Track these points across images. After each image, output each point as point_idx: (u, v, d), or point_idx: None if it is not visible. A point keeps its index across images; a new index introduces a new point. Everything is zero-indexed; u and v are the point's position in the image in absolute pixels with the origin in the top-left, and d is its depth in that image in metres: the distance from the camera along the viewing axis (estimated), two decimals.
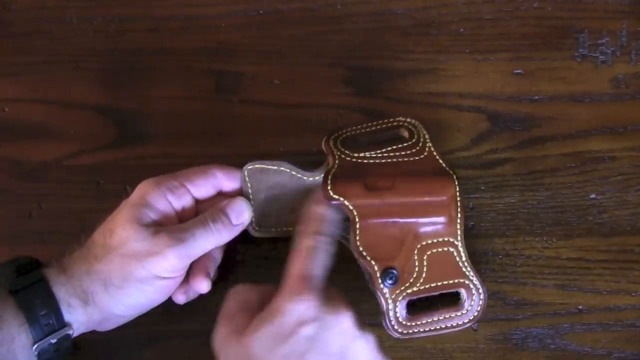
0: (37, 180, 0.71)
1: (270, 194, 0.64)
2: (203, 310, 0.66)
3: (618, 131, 0.72)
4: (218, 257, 0.64)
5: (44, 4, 0.74)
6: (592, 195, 0.71)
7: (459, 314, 0.63)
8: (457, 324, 0.63)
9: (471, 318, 0.63)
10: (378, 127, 0.68)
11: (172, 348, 0.68)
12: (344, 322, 0.56)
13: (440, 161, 0.66)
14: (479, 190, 0.71)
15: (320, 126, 0.72)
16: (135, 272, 0.58)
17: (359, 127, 0.68)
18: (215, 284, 0.63)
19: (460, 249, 0.64)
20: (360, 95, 0.73)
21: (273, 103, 0.72)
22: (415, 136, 0.67)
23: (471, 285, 0.64)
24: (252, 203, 0.64)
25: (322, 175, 0.64)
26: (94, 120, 0.72)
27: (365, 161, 0.65)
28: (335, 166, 0.64)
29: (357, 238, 0.62)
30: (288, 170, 0.65)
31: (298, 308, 0.54)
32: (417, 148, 0.66)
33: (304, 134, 0.71)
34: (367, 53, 0.74)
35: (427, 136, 0.67)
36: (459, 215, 0.64)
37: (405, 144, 0.67)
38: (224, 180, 0.64)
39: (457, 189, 0.64)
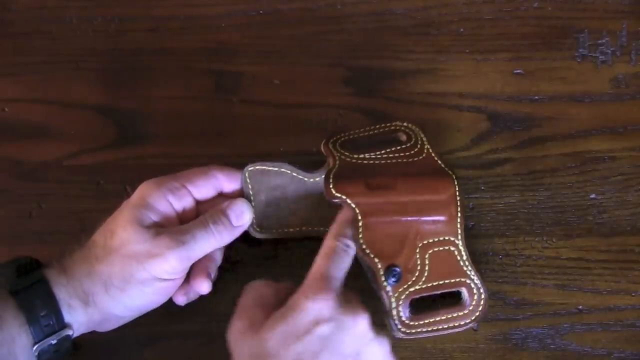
0: (37, 180, 0.71)
1: (271, 195, 0.65)
2: (203, 311, 0.66)
3: (618, 131, 0.72)
4: (218, 257, 0.64)
5: (44, 4, 0.74)
6: (592, 195, 0.71)
7: (461, 313, 0.63)
8: (460, 324, 0.63)
9: (473, 318, 0.63)
10: (376, 131, 0.69)
11: (172, 348, 0.68)
12: (360, 324, 0.56)
13: (439, 162, 0.66)
14: (479, 190, 0.71)
15: (320, 126, 0.72)
16: (136, 274, 0.58)
17: (356, 131, 0.69)
18: (215, 284, 0.63)
19: (461, 248, 0.64)
20: (360, 95, 0.73)
21: (273, 103, 0.72)
22: (413, 139, 0.67)
23: (472, 285, 0.64)
24: (253, 204, 0.64)
25: (323, 176, 0.64)
26: (94, 120, 0.72)
27: (365, 162, 0.65)
28: (336, 166, 0.64)
29: (360, 236, 0.62)
30: (289, 172, 0.65)
31: (315, 307, 0.55)
32: (416, 150, 0.67)
33: (304, 134, 0.71)
34: (367, 53, 0.74)
35: (425, 139, 0.67)
36: (459, 215, 0.64)
37: (404, 146, 0.67)
38: (225, 181, 0.64)
39: (457, 189, 0.64)
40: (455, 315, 0.63)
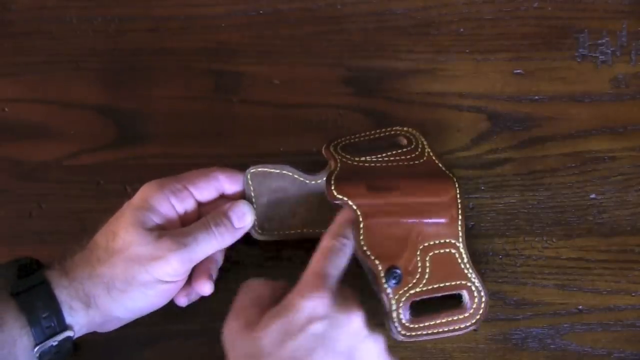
0: (37, 180, 0.70)
1: (273, 197, 0.65)
2: (203, 311, 0.66)
3: (618, 131, 0.72)
4: (220, 259, 0.64)
5: (44, 4, 0.74)
6: (592, 195, 0.71)
7: (461, 316, 0.63)
8: (460, 327, 0.63)
9: (474, 321, 0.64)
10: (376, 135, 0.69)
11: (172, 348, 0.68)
12: (354, 322, 0.56)
13: (440, 165, 0.66)
14: (479, 190, 0.71)
15: (320, 126, 0.72)
16: (139, 276, 0.58)
17: (357, 135, 0.69)
18: (216, 285, 0.63)
19: (462, 250, 0.64)
20: (360, 95, 0.73)
21: (273, 103, 0.72)
22: (414, 143, 0.67)
23: (473, 288, 0.64)
24: (255, 206, 0.64)
25: (325, 179, 0.64)
26: (94, 120, 0.72)
27: (366, 164, 0.65)
28: (338, 168, 0.64)
29: (361, 237, 0.62)
30: (290, 174, 0.65)
31: (309, 305, 0.55)
32: (417, 153, 0.67)
33: (304, 134, 0.71)
34: (367, 53, 0.74)
35: (425, 143, 0.68)
36: (460, 217, 0.64)
37: (405, 149, 0.67)
38: (227, 183, 0.64)
39: (458, 191, 0.64)
40: (455, 318, 0.63)
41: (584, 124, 0.72)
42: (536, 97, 0.73)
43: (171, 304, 0.63)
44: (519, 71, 0.73)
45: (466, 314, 0.64)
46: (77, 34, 0.73)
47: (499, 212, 0.71)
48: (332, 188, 0.62)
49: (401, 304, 0.62)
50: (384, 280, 0.62)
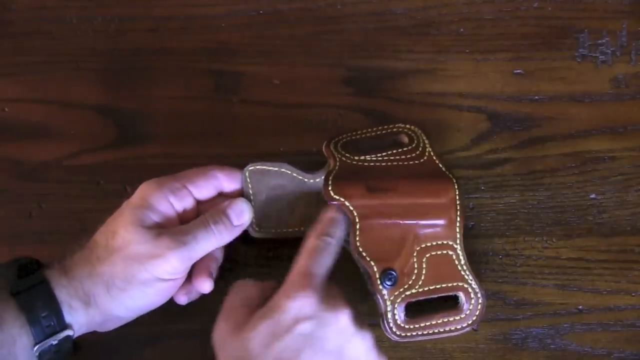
0: (37, 180, 0.70)
1: (271, 195, 0.65)
2: (203, 311, 0.66)
3: (618, 131, 0.72)
4: (220, 256, 0.64)
5: (44, 4, 0.74)
6: (592, 195, 0.71)
7: (457, 318, 0.63)
8: (456, 328, 0.63)
9: (470, 322, 0.63)
10: (378, 132, 0.69)
11: (172, 348, 0.68)
12: (341, 320, 0.56)
13: (440, 165, 0.66)
14: (479, 190, 0.71)
15: (320, 126, 0.72)
16: (138, 275, 0.58)
17: (358, 132, 0.69)
18: (216, 284, 0.63)
19: (460, 252, 0.64)
20: (360, 95, 0.73)
21: (273, 103, 0.72)
22: (415, 141, 0.67)
23: (470, 289, 0.64)
24: (253, 204, 0.64)
25: (323, 177, 0.64)
26: (94, 120, 0.72)
27: (366, 164, 0.65)
28: (337, 168, 0.64)
29: (357, 239, 0.62)
30: (289, 172, 0.65)
31: (296, 305, 0.55)
32: (417, 152, 0.67)
33: (304, 134, 0.71)
34: (367, 53, 0.74)
35: (426, 141, 0.67)
36: (459, 219, 0.64)
37: (405, 149, 0.67)
38: (225, 181, 0.64)
39: (457, 193, 0.64)
40: (451, 319, 0.63)
41: (584, 124, 0.72)
42: (536, 97, 0.73)
43: (171, 304, 0.63)
44: (519, 71, 0.73)
45: (462, 315, 0.63)
46: (77, 34, 0.74)
47: (499, 212, 0.71)
48: (330, 189, 0.62)
49: (396, 305, 0.62)
50: (379, 282, 0.62)
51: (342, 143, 0.67)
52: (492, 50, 0.74)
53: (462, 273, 0.64)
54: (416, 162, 0.66)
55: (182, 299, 0.63)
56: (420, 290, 0.63)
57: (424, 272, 0.63)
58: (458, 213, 0.64)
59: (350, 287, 0.67)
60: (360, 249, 0.62)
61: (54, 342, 0.57)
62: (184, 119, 0.72)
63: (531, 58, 0.73)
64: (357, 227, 0.62)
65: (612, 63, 0.73)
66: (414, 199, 0.63)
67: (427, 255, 0.63)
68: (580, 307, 0.69)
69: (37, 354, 0.56)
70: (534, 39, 0.74)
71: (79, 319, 0.58)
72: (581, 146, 0.72)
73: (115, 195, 0.68)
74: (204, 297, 0.63)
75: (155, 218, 0.60)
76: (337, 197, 0.62)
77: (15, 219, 0.70)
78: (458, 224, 0.64)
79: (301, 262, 0.58)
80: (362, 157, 0.66)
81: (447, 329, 0.63)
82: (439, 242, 0.64)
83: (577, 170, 0.71)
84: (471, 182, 0.71)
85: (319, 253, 0.59)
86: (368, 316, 0.65)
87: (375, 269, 0.62)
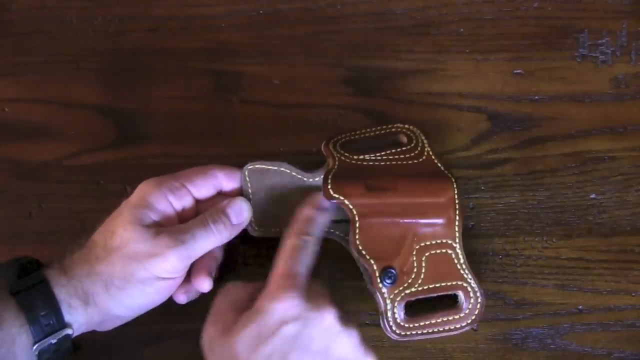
0: (37, 180, 0.71)
1: (270, 194, 0.65)
2: (203, 310, 0.65)
3: (618, 131, 0.72)
4: (219, 256, 0.64)
5: (44, 4, 0.74)
6: (592, 195, 0.71)
7: (456, 317, 0.63)
8: (455, 327, 0.63)
9: (469, 322, 0.63)
10: (377, 132, 0.69)
11: (172, 348, 0.68)
12: (326, 319, 0.56)
13: (440, 165, 0.66)
14: (479, 190, 0.71)
15: (320, 126, 0.72)
16: (137, 274, 0.58)
17: (357, 132, 0.69)
18: (216, 283, 0.63)
19: (459, 251, 0.64)
20: (360, 95, 0.73)
21: (273, 103, 0.72)
22: (414, 141, 0.67)
23: (469, 288, 0.64)
24: (252, 203, 0.64)
25: (322, 176, 0.64)
26: (94, 120, 0.72)
27: (365, 163, 0.65)
28: (336, 167, 0.64)
29: (357, 237, 0.62)
30: (288, 171, 0.65)
31: (280, 307, 0.55)
32: (416, 152, 0.67)
33: (304, 134, 0.71)
34: (367, 53, 0.74)
35: (425, 141, 0.67)
36: (458, 218, 0.64)
37: (404, 148, 0.67)
38: (224, 180, 0.64)
39: (456, 192, 0.64)
40: (451, 318, 0.63)
41: (584, 124, 0.72)
42: (536, 97, 0.73)
43: (171, 303, 0.63)
44: (519, 71, 0.73)
45: (461, 314, 0.63)
46: (77, 34, 0.74)
47: (499, 212, 0.71)
48: (329, 187, 0.62)
49: (396, 304, 0.62)
50: (379, 280, 0.62)
51: (341, 143, 0.67)
52: (492, 50, 0.74)
53: (462, 272, 0.64)
54: (415, 161, 0.66)
55: (182, 298, 0.63)
56: (420, 289, 0.63)
57: (423, 270, 0.63)
58: (457, 212, 0.64)
59: (350, 287, 0.67)
60: (360, 248, 0.62)
61: (53, 341, 0.57)
62: (184, 119, 0.72)
63: (531, 58, 0.73)
64: (357, 225, 0.62)
65: (612, 63, 0.73)
66: (413, 198, 0.63)
67: (427, 254, 0.63)
68: (580, 307, 0.69)
69: (36, 353, 0.56)
70: (534, 39, 0.74)
71: (78, 318, 0.58)
72: (581, 146, 0.72)
73: (115, 195, 0.68)
74: (203, 296, 0.63)
75: (154, 217, 0.60)
76: (337, 196, 0.62)
77: (15, 219, 0.70)
78: (457, 223, 0.64)
79: (282, 263, 0.58)
80: (361, 157, 0.66)
81: (446, 328, 0.63)
82: (438, 241, 0.64)
83: (577, 170, 0.71)
84: (471, 182, 0.71)
85: (298, 252, 0.59)
86: (368, 316, 0.65)
87: (375, 267, 0.62)
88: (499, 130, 0.72)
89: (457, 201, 0.64)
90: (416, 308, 0.63)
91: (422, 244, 0.63)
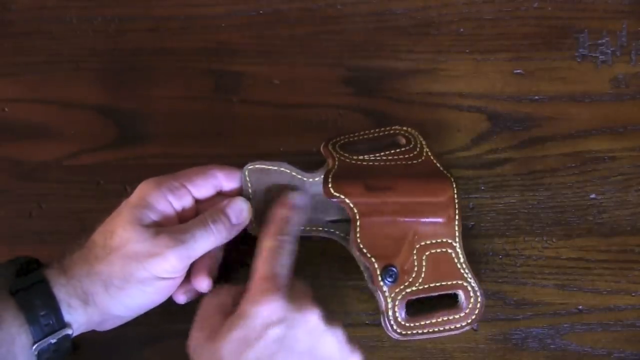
0: (37, 180, 0.71)
1: (270, 194, 0.64)
2: None
3: (618, 131, 0.72)
4: (219, 256, 0.64)
5: (44, 4, 0.74)
6: (592, 195, 0.71)
7: (457, 316, 0.63)
8: (456, 326, 0.64)
9: (469, 321, 0.64)
10: (375, 134, 0.69)
11: (172, 348, 0.67)
12: (310, 320, 0.56)
13: (438, 165, 0.66)
14: (479, 190, 0.71)
15: (320, 126, 0.72)
16: (136, 273, 0.58)
17: (355, 134, 0.69)
18: (216, 283, 0.63)
19: (459, 250, 0.64)
20: (360, 95, 0.73)
21: (273, 103, 0.72)
22: (413, 142, 0.67)
23: (469, 288, 0.64)
24: (252, 203, 0.64)
25: (322, 176, 0.64)
26: (94, 120, 0.72)
27: (364, 163, 0.65)
28: (336, 167, 0.64)
29: (358, 236, 0.62)
30: (288, 171, 0.65)
31: (263, 310, 0.55)
32: (415, 152, 0.67)
33: (304, 134, 0.71)
34: (367, 53, 0.74)
35: (424, 143, 0.67)
36: (457, 217, 0.64)
37: (403, 149, 0.67)
38: (224, 180, 0.64)
39: (455, 191, 0.64)
40: (451, 317, 0.64)
41: (584, 124, 0.72)
42: (536, 97, 0.73)
43: (170, 303, 0.63)
44: (519, 71, 0.73)
45: (462, 314, 0.64)
46: (77, 34, 0.74)
47: (499, 212, 0.70)
48: (330, 186, 0.63)
49: (397, 303, 0.62)
50: (380, 278, 0.62)
51: (340, 144, 0.67)
52: (492, 50, 0.74)
53: (462, 271, 0.64)
54: (414, 161, 0.66)
55: (181, 298, 0.63)
56: (421, 287, 0.63)
57: (424, 269, 0.63)
58: (457, 211, 0.64)
59: (350, 287, 0.67)
60: (361, 246, 0.62)
61: (53, 341, 0.57)
62: (184, 119, 0.72)
63: (531, 58, 0.73)
64: (358, 224, 0.62)
65: (612, 63, 0.73)
66: (413, 197, 0.63)
67: (427, 253, 0.63)
68: (580, 307, 0.69)
69: (36, 352, 0.56)
70: (534, 39, 0.74)
71: (78, 318, 0.58)
72: (581, 146, 0.72)
73: (115, 195, 0.68)
74: (203, 296, 0.63)
75: (153, 217, 0.60)
76: (337, 195, 0.62)
77: (15, 219, 0.70)
78: (457, 222, 0.64)
79: (262, 265, 0.58)
80: (361, 157, 0.66)
81: (447, 327, 0.63)
82: (439, 240, 0.64)
83: (577, 170, 0.71)
84: (471, 182, 0.71)
85: (277, 253, 0.59)
86: (368, 315, 0.65)
87: (376, 266, 0.62)
88: (499, 130, 0.72)
89: (456, 200, 0.64)
90: (416, 308, 0.63)
91: (423, 243, 0.63)
